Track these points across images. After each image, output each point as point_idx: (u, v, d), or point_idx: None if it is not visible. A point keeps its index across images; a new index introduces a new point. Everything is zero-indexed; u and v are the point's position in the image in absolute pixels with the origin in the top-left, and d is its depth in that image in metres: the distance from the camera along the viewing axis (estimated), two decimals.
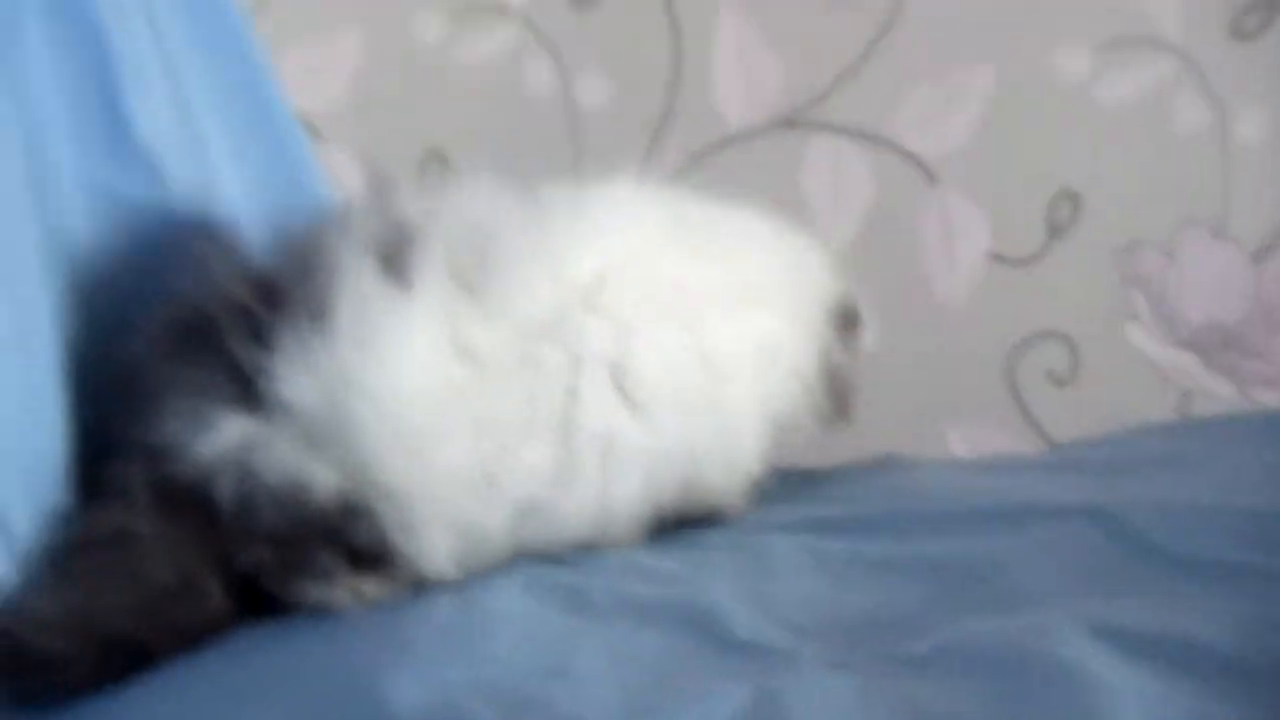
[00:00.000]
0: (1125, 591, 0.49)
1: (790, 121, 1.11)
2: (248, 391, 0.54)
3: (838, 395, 0.70)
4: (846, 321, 0.72)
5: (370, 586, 0.54)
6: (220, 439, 0.54)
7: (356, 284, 0.55)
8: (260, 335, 0.54)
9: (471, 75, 1.13)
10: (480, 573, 0.55)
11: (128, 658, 0.49)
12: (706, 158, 1.12)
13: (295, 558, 0.54)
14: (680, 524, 0.61)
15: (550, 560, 0.56)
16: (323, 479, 0.54)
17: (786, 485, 0.69)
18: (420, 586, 0.55)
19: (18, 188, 0.54)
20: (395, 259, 0.56)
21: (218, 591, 0.52)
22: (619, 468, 0.58)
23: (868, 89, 1.09)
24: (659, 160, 1.12)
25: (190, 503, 0.53)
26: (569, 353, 0.57)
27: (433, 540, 0.55)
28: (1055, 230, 1.10)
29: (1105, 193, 1.09)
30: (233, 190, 0.71)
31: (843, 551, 0.55)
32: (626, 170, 0.67)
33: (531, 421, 0.56)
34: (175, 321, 0.57)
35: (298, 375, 0.54)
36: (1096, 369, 1.12)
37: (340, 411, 0.54)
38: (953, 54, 1.08)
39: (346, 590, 0.54)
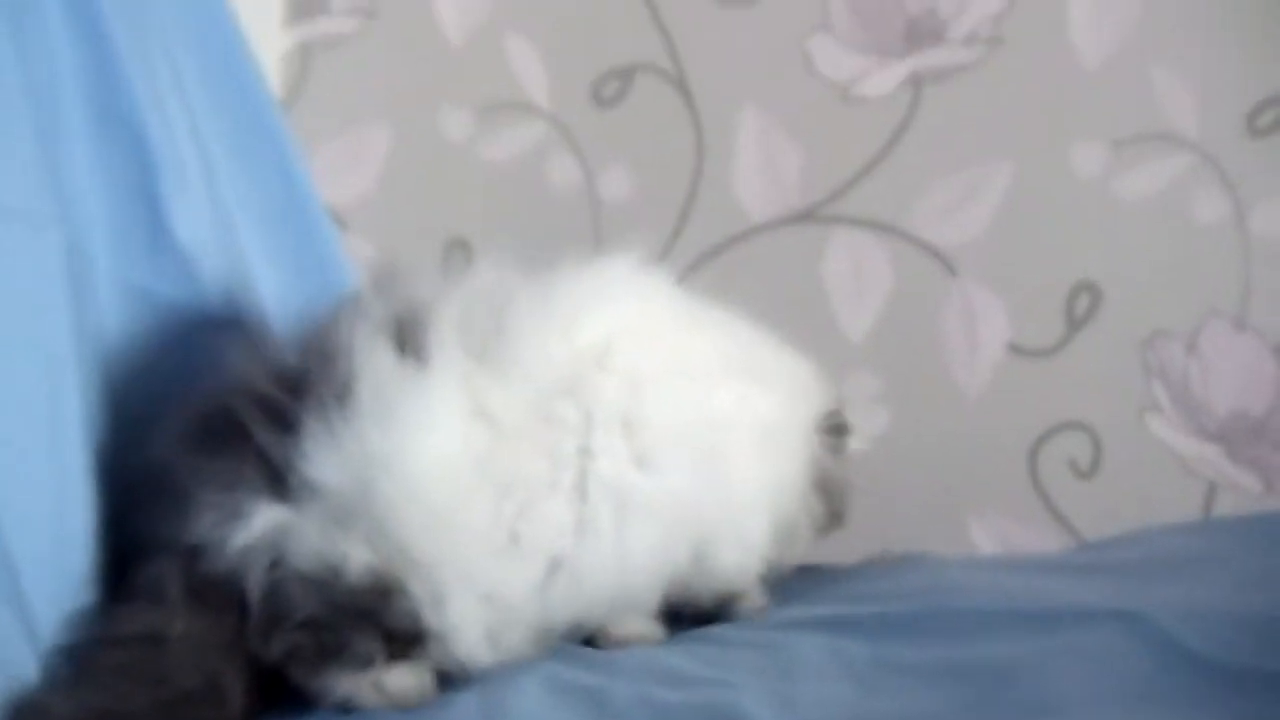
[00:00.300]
0: (1155, 698, 0.49)
1: (810, 214, 1.13)
2: (276, 480, 0.55)
3: (831, 500, 0.72)
4: (836, 429, 0.73)
5: (400, 678, 0.54)
6: (251, 529, 0.54)
7: (374, 363, 0.57)
8: (285, 423, 0.55)
9: (497, 170, 1.15)
10: (510, 657, 0.55)
11: None
12: (727, 250, 1.14)
13: (330, 641, 0.54)
14: (701, 620, 0.61)
15: (572, 660, 0.55)
16: (355, 558, 0.54)
17: (807, 581, 0.69)
18: (450, 676, 0.55)
19: (56, 289, 0.55)
20: (410, 336, 0.58)
21: (239, 694, 0.52)
22: (633, 519, 0.59)
23: (887, 182, 1.11)
24: (680, 252, 1.14)
25: (222, 598, 0.54)
26: (582, 409, 0.59)
27: (463, 612, 0.55)
28: (1075, 321, 1.10)
29: (1125, 284, 1.09)
30: (264, 283, 0.73)
31: (866, 654, 0.54)
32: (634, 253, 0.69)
33: (551, 478, 0.58)
34: (200, 416, 0.58)
35: (324, 457, 0.55)
36: (1119, 460, 1.11)
37: (367, 488, 0.55)
38: (971, 148, 1.10)
39: (373, 683, 0.53)
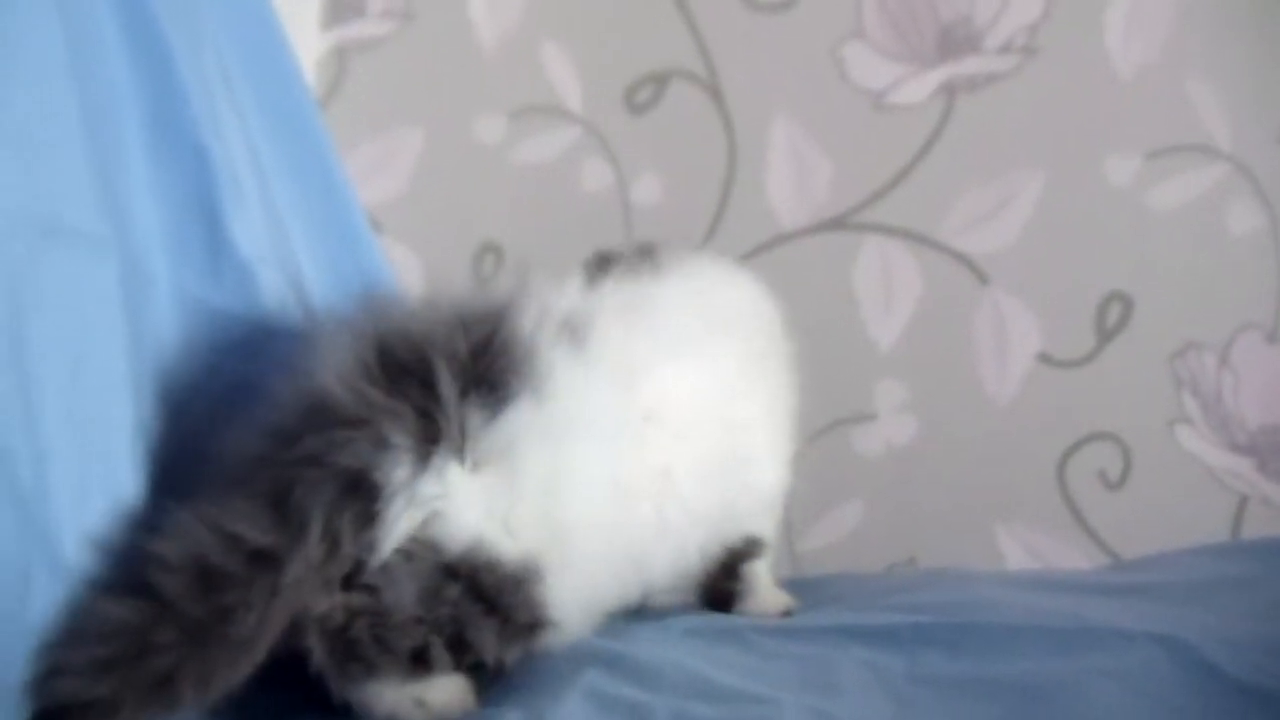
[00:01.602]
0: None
1: (841, 222, 1.12)
2: (454, 440, 0.55)
3: None
4: None
5: (443, 691, 0.55)
6: (428, 486, 0.54)
7: (563, 361, 0.58)
8: (477, 388, 0.56)
9: (529, 174, 1.15)
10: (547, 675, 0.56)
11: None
12: (758, 257, 1.13)
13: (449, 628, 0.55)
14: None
15: (614, 671, 0.55)
16: (511, 539, 0.55)
17: (843, 588, 0.69)
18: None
19: (112, 305, 0.56)
20: (577, 341, 0.60)
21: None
22: (697, 523, 0.64)
23: (919, 191, 1.10)
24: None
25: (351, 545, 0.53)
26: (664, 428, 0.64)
27: (581, 603, 0.58)
28: (1106, 332, 1.10)
29: (1156, 295, 1.09)
30: (312, 286, 0.73)
31: (904, 668, 0.54)
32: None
33: (644, 486, 0.62)
34: (384, 350, 0.56)
35: (514, 434, 0.56)
36: (1149, 472, 1.10)
37: (549, 475, 0.57)
38: (1003, 158, 1.09)
39: (415, 699, 0.54)
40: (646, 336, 0.63)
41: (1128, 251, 1.09)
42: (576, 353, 0.59)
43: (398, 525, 0.53)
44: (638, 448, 0.61)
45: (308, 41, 1.10)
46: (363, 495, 0.53)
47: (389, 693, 0.54)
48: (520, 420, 0.55)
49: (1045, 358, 1.11)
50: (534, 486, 0.56)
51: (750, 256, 1.13)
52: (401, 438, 0.53)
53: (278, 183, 0.73)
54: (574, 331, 0.59)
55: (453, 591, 0.54)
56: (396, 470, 0.53)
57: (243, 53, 0.72)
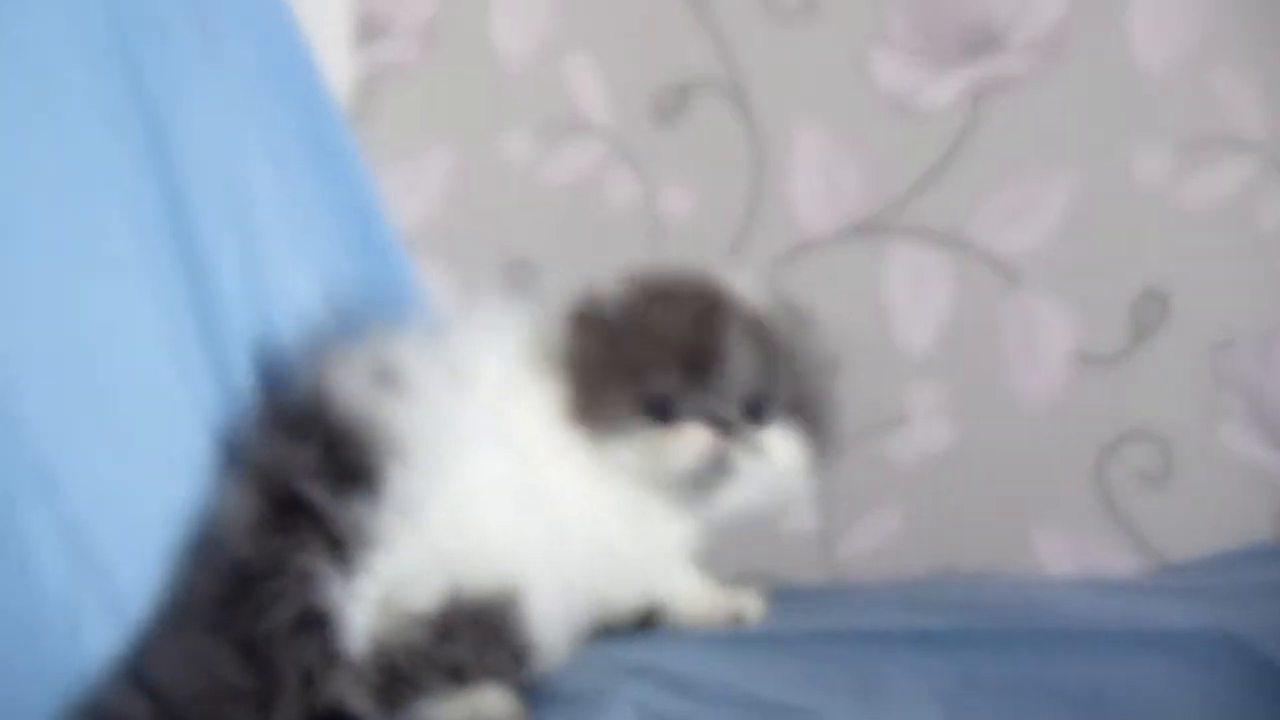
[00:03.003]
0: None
1: (869, 227, 1.11)
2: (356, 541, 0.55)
3: None
4: None
5: (495, 702, 0.54)
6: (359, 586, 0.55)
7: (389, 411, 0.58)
8: (348, 483, 0.56)
9: (557, 188, 1.14)
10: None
11: None
12: (787, 263, 1.12)
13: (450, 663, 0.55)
14: None
15: (660, 685, 0.53)
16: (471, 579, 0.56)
17: (882, 593, 0.67)
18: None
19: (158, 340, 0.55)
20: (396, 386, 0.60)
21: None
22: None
23: (947, 193, 1.08)
24: (740, 266, 1.12)
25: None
26: None
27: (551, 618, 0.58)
28: (1142, 330, 1.07)
29: (1193, 291, 1.06)
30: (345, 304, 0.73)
31: (953, 673, 0.52)
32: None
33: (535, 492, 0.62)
34: (266, 503, 0.56)
35: (413, 504, 0.56)
36: (1190, 471, 1.07)
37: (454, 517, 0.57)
38: (1032, 157, 1.07)
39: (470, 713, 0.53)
40: (450, 359, 0.62)
41: (1161, 248, 1.06)
42: (402, 394, 0.59)
43: (360, 626, 0.53)
44: (511, 456, 0.61)
45: (336, 64, 1.10)
46: (315, 628, 0.53)
47: (438, 711, 0.53)
48: (398, 482, 0.56)
49: (1080, 357, 1.08)
50: (445, 523, 0.56)
51: (779, 263, 1.12)
52: (317, 564, 0.53)
53: (312, 205, 0.72)
54: (388, 379, 0.59)
55: (461, 633, 0.54)
56: (330, 592, 0.53)
57: (271, 74, 0.71)
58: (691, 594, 0.66)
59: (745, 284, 0.69)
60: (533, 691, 0.55)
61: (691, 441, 0.63)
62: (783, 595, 0.70)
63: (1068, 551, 1.09)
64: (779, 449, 0.65)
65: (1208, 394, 1.06)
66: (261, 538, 0.54)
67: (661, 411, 0.63)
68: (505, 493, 0.59)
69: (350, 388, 0.58)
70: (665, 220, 1.14)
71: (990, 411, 1.09)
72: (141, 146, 0.54)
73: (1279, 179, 1.04)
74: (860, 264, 1.10)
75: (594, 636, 0.62)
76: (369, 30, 1.15)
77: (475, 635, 0.55)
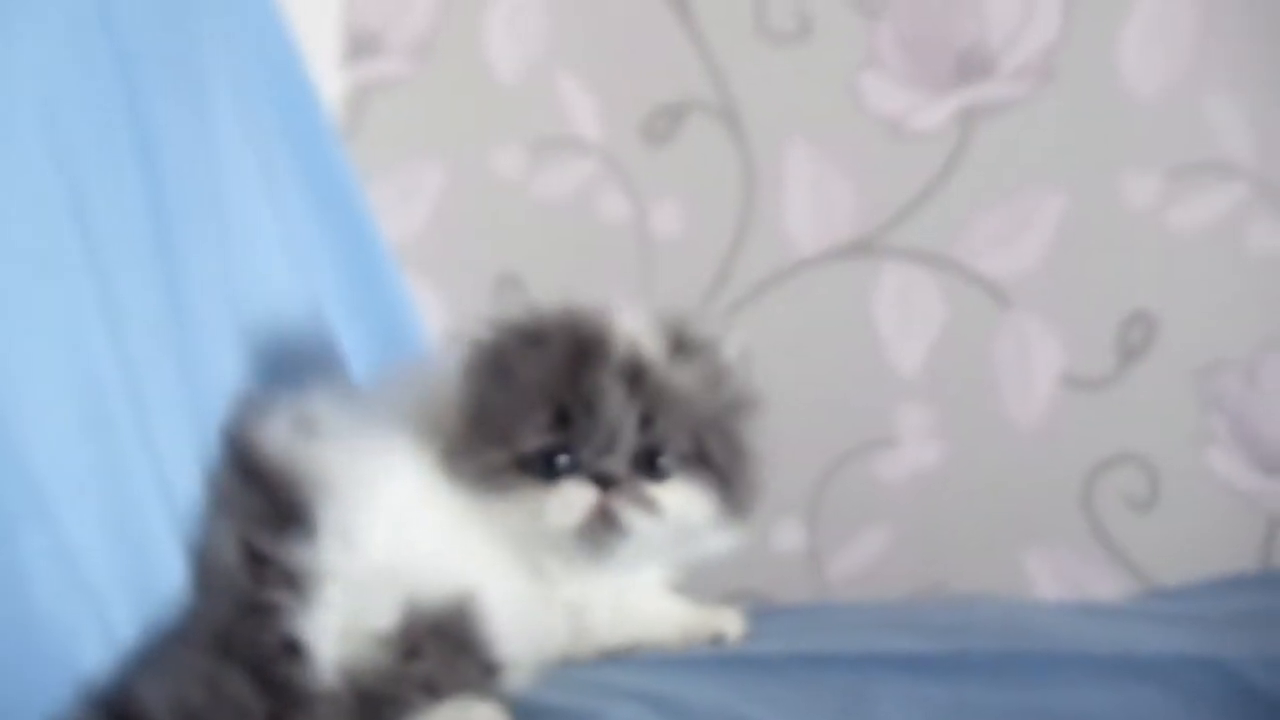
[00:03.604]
0: None
1: (861, 248, 1.10)
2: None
3: None
4: None
5: (486, 714, 0.53)
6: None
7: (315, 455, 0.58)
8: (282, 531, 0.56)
9: (548, 206, 1.14)
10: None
11: None
12: (778, 284, 1.11)
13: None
14: None
15: (653, 708, 0.52)
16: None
17: (872, 614, 0.66)
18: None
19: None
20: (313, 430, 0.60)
21: None
22: None
23: (938, 215, 1.08)
24: (731, 287, 1.12)
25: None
26: None
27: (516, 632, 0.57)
28: (1130, 353, 1.07)
29: (1180, 315, 1.06)
30: (344, 332, 0.73)
31: (947, 698, 0.51)
32: None
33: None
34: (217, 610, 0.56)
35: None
36: (1176, 494, 1.07)
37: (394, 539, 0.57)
38: (1022, 180, 1.07)
39: None
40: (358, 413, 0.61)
41: (1150, 271, 1.06)
42: (318, 438, 0.59)
43: (328, 658, 0.53)
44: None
45: (326, 79, 1.09)
46: (293, 659, 0.53)
47: None
48: (329, 516, 0.56)
49: (1069, 379, 1.08)
50: (385, 541, 0.56)
51: (770, 283, 1.11)
52: (283, 598, 0.54)
53: (302, 218, 0.71)
54: (308, 425, 0.59)
55: (426, 647, 0.54)
56: (297, 625, 0.53)
57: (263, 85, 0.71)
58: (669, 616, 0.64)
59: (631, 321, 0.62)
60: (519, 710, 0.54)
61: (571, 500, 0.58)
62: (766, 614, 0.69)
63: (1055, 573, 1.09)
64: (676, 503, 0.60)
65: (1194, 417, 1.06)
66: (240, 573, 0.55)
67: (541, 468, 0.59)
68: (437, 504, 0.58)
69: (274, 436, 0.59)
70: (656, 239, 1.13)
71: (979, 433, 1.09)
72: (129, 157, 0.54)
73: (1267, 203, 1.04)
74: (850, 285, 1.10)
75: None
76: (361, 45, 1.14)
77: (440, 647, 0.54)
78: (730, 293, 1.12)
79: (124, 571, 0.51)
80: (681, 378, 0.61)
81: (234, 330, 0.62)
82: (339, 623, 0.54)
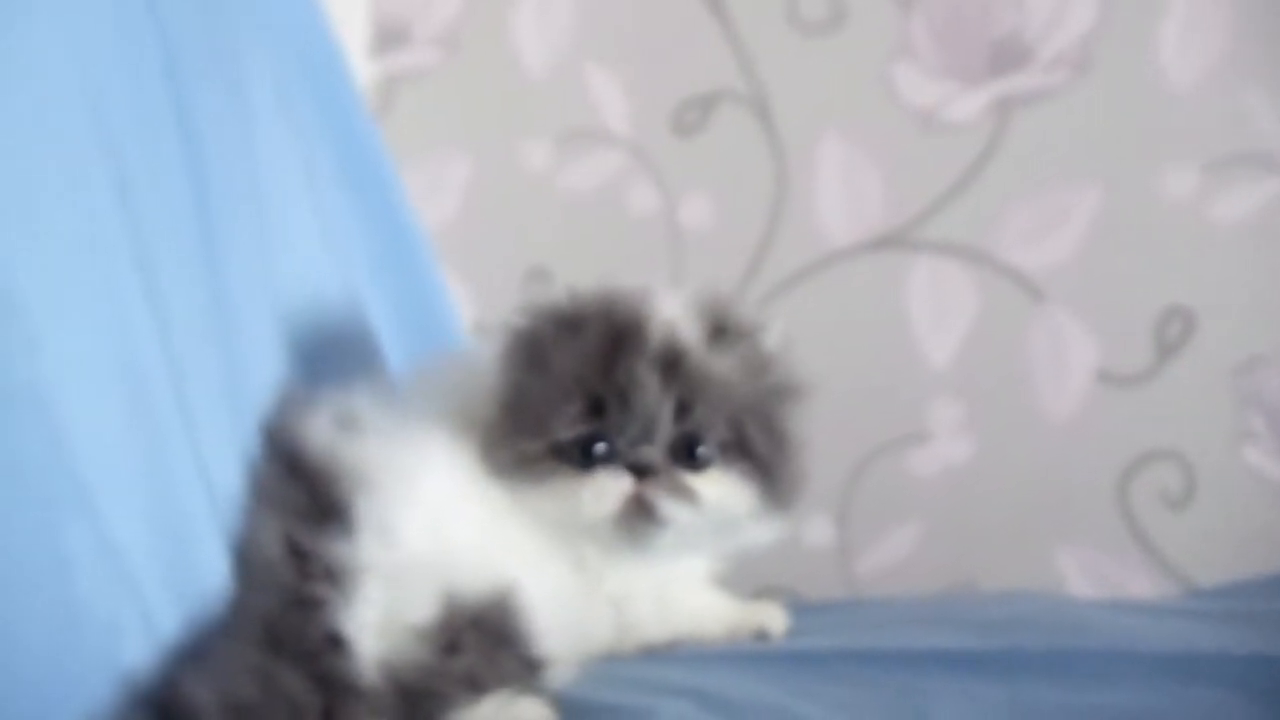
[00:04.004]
0: None
1: (893, 241, 1.09)
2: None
3: None
4: None
5: (532, 709, 0.52)
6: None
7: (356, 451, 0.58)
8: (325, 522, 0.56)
9: (577, 199, 1.13)
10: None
11: None
12: (809, 277, 1.10)
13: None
14: None
15: (703, 706, 0.51)
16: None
17: (914, 609, 0.65)
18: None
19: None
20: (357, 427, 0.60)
21: None
22: None
23: (971, 208, 1.06)
24: (761, 280, 1.10)
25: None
26: None
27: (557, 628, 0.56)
28: (1166, 348, 1.05)
29: (1218, 309, 1.04)
30: (380, 324, 0.72)
31: (1003, 697, 0.49)
32: None
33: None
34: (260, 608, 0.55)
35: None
36: (1213, 491, 1.05)
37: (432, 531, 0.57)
38: (1058, 172, 1.05)
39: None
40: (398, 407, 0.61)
41: (1187, 265, 1.04)
42: (359, 434, 0.58)
43: (369, 654, 0.52)
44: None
45: (355, 71, 1.08)
46: (336, 653, 0.52)
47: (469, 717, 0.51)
48: (367, 511, 0.55)
49: (1104, 375, 1.06)
50: (423, 535, 0.55)
51: (801, 277, 1.10)
52: (326, 592, 0.53)
53: (340, 210, 0.70)
54: (348, 423, 0.59)
55: (466, 641, 0.53)
56: (339, 619, 0.53)
57: (304, 79, 0.70)
58: (713, 611, 0.63)
59: (669, 306, 0.60)
60: (565, 707, 0.53)
61: (607, 489, 0.57)
62: (805, 610, 0.67)
63: (1088, 571, 1.07)
64: (715, 493, 0.58)
65: (1232, 414, 1.04)
66: (284, 568, 0.54)
67: (577, 456, 0.57)
68: (475, 497, 0.57)
69: (317, 433, 0.58)
70: (686, 232, 1.12)
71: (1012, 428, 1.07)
72: (174, 147, 0.53)
73: None
74: (882, 278, 1.09)
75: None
76: (389, 37, 1.13)
77: (480, 641, 0.53)
78: (760, 286, 1.11)
79: (165, 565, 0.50)
80: (720, 364, 0.59)
81: (274, 321, 0.61)
82: (379, 617, 0.53)
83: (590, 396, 0.57)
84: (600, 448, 0.58)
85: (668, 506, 0.57)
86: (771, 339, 0.62)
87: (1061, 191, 1.05)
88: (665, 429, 0.58)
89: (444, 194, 1.13)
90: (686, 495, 0.58)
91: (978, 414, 1.08)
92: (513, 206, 1.14)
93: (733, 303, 0.63)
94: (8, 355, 0.43)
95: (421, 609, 0.53)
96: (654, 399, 0.57)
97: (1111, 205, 1.05)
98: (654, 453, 0.58)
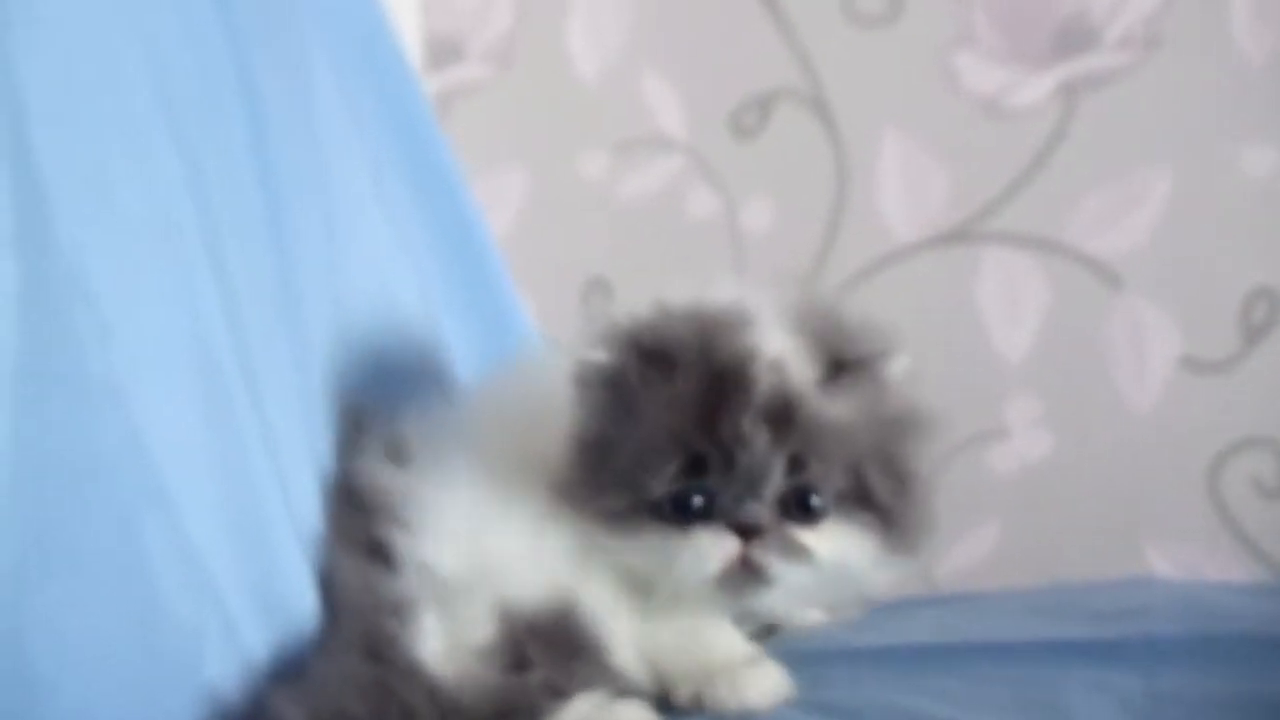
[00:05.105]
0: None
1: (960, 234, 1.05)
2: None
3: None
4: None
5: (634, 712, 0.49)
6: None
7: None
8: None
9: (635, 206, 1.10)
10: None
11: None
12: (875, 275, 1.06)
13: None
14: None
15: (812, 711, 0.47)
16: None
17: (1028, 600, 0.61)
18: None
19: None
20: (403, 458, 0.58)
21: None
22: None
23: (1041, 196, 1.02)
24: (826, 279, 1.07)
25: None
26: None
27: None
28: (1253, 331, 1.00)
29: None
30: (450, 330, 0.70)
31: (1139, 687, 0.46)
32: None
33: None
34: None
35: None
36: None
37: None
38: (1130, 155, 1.01)
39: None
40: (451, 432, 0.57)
41: (1271, 245, 0.99)
42: (403, 466, 0.55)
43: (443, 671, 0.50)
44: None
45: None
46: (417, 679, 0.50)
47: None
48: (407, 550, 0.53)
49: (1188, 362, 1.01)
50: (466, 559, 0.52)
51: (867, 274, 1.06)
52: (393, 626, 0.51)
53: (406, 206, 0.68)
54: (397, 452, 0.56)
55: (533, 653, 0.50)
56: (410, 650, 0.50)
57: (370, 82, 0.68)
58: (708, 656, 0.55)
59: (776, 339, 0.52)
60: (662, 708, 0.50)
61: (709, 552, 0.50)
62: (900, 606, 0.63)
63: (1179, 566, 1.02)
64: (831, 547, 0.51)
65: None
66: (361, 599, 0.53)
67: (670, 511, 0.51)
68: (514, 510, 0.53)
69: (367, 466, 0.56)
70: (747, 235, 1.09)
71: (1094, 421, 1.03)
72: (241, 134, 0.51)
73: None
74: (951, 273, 1.05)
75: None
76: (442, 53, 1.12)
77: (548, 650, 0.50)
78: (825, 286, 1.07)
79: (246, 571, 0.48)
80: (837, 409, 0.51)
81: (341, 318, 0.59)
82: (443, 645, 0.50)
83: (689, 454, 0.50)
84: (699, 500, 0.51)
85: (778, 567, 0.51)
86: (895, 366, 0.54)
87: (1134, 175, 1.01)
88: (775, 485, 0.51)
89: (501, 208, 1.11)
90: (798, 553, 0.51)
91: (1056, 408, 1.04)
92: (571, 217, 1.12)
93: (845, 325, 0.54)
94: (80, 345, 0.41)
95: (480, 629, 0.50)
96: (763, 455, 0.50)
97: (1188, 186, 1.00)
98: (762, 511, 0.51)
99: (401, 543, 0.52)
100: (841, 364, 0.52)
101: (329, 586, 0.53)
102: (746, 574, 0.50)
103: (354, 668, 0.48)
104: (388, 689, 0.47)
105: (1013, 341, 1.04)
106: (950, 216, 1.05)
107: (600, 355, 0.52)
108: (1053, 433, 1.04)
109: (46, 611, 0.38)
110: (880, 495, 0.52)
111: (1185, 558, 1.02)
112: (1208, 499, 1.01)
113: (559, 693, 0.49)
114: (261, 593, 0.49)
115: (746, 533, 0.50)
